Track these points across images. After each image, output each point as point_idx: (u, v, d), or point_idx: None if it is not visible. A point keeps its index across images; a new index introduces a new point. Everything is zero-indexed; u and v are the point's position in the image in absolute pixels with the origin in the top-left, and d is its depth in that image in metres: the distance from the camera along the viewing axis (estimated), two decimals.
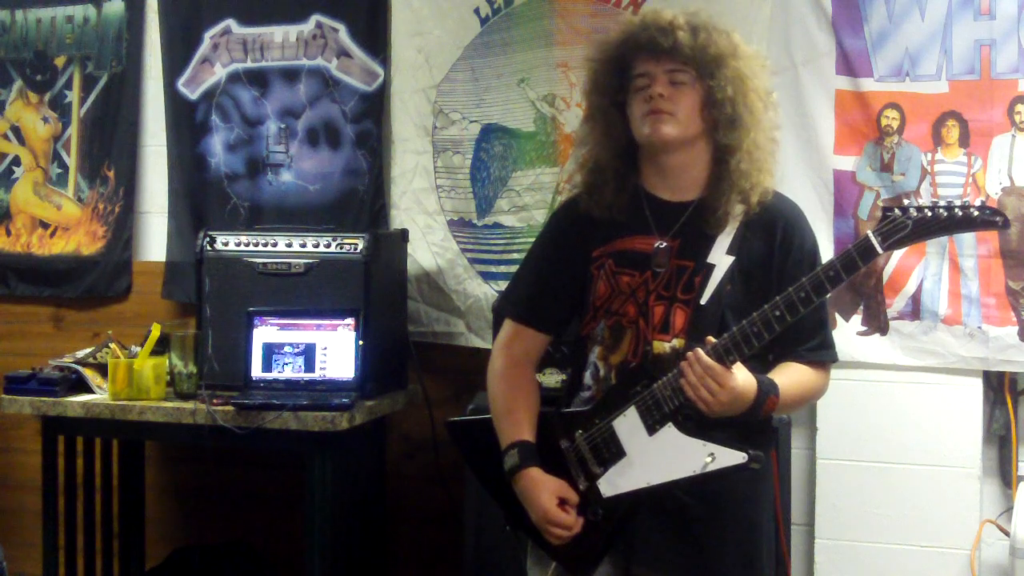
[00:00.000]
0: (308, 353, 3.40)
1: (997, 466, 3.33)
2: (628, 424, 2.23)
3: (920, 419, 3.33)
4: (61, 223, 4.24)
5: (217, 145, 4.02)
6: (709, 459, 2.16)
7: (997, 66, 3.24)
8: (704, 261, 2.25)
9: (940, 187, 3.31)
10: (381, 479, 3.85)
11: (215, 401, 3.32)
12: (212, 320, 3.54)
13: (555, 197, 3.64)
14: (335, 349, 3.40)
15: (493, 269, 3.75)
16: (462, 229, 3.79)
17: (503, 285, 3.59)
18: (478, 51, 3.73)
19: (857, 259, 2.10)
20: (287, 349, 3.41)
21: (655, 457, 2.21)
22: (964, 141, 3.28)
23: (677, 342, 2.23)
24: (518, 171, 3.71)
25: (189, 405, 3.34)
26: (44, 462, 3.58)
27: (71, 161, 4.22)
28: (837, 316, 3.35)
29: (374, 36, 3.86)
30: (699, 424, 2.18)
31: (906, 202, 2.11)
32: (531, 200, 3.70)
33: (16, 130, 4.29)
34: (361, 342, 3.39)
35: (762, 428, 2.31)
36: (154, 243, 4.15)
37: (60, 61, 4.23)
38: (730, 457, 2.15)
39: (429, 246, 3.82)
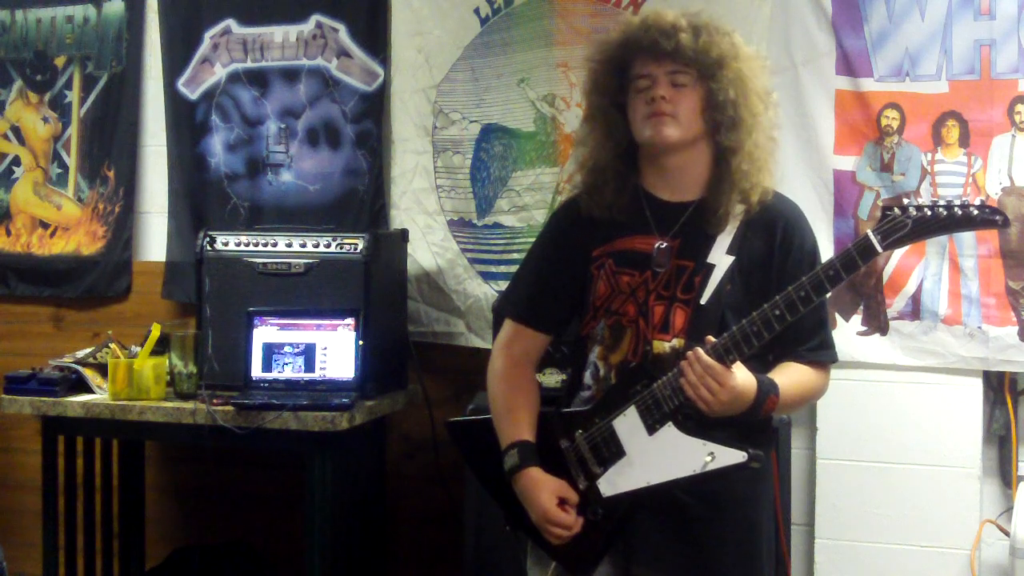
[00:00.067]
0: (308, 353, 3.40)
1: (997, 466, 3.33)
2: (628, 424, 2.23)
3: (920, 419, 3.33)
4: (61, 223, 4.24)
5: (217, 145, 4.02)
6: (709, 458, 2.16)
7: (997, 66, 3.24)
8: (704, 261, 2.25)
9: (940, 187, 3.30)
10: (381, 479, 3.85)
11: (215, 401, 3.32)
12: (212, 320, 3.54)
13: (555, 197, 3.64)
14: (335, 349, 3.40)
15: (493, 269, 3.75)
16: (462, 229, 3.79)
17: (503, 285, 3.59)
18: (478, 51, 3.73)
19: (857, 258, 2.09)
20: (287, 349, 3.41)
21: (655, 456, 2.21)
22: (964, 141, 3.28)
23: (677, 342, 2.23)
24: (518, 171, 3.71)
25: (189, 405, 3.34)
26: (44, 462, 3.58)
27: (71, 161, 4.22)
28: (837, 316, 3.34)
29: (374, 36, 3.86)
30: (699, 423, 2.18)
31: (906, 202, 2.10)
32: (531, 200, 3.70)
33: (16, 130, 4.29)
34: (361, 342, 3.39)
35: (762, 428, 2.31)
36: (154, 243, 4.15)
37: (60, 61, 4.23)
38: (730, 456, 2.15)
39: (429, 246, 3.82)
